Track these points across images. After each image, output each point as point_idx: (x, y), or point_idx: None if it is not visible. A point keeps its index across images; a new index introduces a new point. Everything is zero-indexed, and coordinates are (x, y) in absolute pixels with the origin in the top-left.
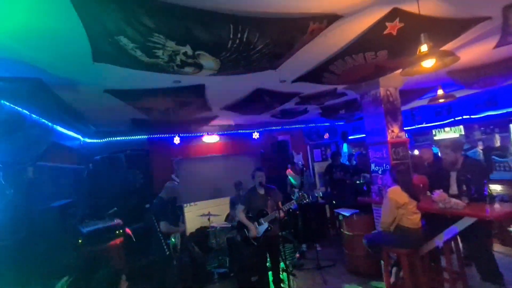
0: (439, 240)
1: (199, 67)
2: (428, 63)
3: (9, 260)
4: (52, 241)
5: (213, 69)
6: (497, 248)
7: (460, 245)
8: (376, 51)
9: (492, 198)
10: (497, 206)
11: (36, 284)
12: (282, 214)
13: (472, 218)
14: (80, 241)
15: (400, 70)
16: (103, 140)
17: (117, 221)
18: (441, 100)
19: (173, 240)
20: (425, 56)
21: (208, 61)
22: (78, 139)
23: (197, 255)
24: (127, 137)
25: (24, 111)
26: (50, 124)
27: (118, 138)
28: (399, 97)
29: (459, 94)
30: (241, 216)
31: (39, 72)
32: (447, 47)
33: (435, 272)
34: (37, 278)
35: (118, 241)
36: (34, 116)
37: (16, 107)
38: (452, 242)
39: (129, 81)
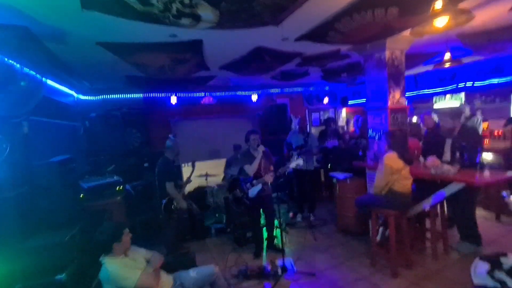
0: (426, 204)
1: (197, 18)
2: (442, 21)
3: (14, 211)
4: (53, 195)
5: (212, 21)
6: (479, 212)
7: (445, 208)
8: (386, 7)
9: (482, 165)
10: (486, 173)
11: (42, 235)
12: (271, 179)
13: (460, 184)
14: (81, 196)
15: (408, 31)
16: (98, 97)
17: (116, 177)
18: (447, 65)
19: (174, 204)
20: (439, 13)
21: (206, 12)
22: (72, 95)
23: (195, 212)
24: (122, 95)
25: (14, 63)
26: (40, 77)
27: (113, 96)
28: (404, 61)
29: (465, 60)
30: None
31: (26, 20)
32: (461, 6)
33: (419, 232)
34: (42, 229)
35: (118, 197)
36: (25, 69)
37: (6, 59)
38: (438, 205)
39: (123, 33)
